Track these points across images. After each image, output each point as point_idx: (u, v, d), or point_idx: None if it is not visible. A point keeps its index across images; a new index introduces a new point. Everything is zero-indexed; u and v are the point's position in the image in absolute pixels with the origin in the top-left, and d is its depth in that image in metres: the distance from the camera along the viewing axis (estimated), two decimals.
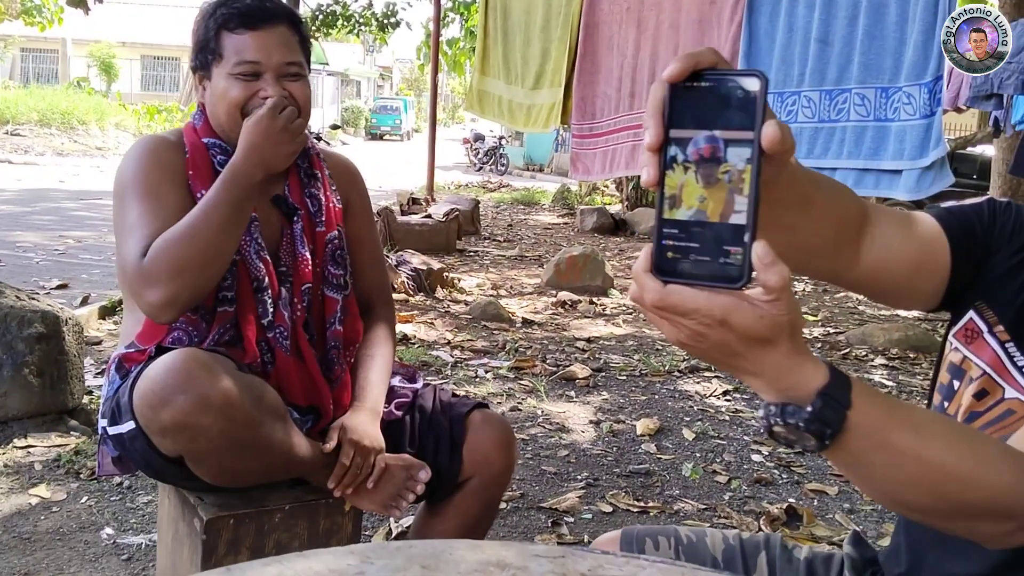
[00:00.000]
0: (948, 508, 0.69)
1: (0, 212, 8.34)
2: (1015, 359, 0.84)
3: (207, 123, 1.53)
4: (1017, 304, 0.85)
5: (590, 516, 2.47)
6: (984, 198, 0.91)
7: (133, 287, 1.37)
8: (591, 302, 5.55)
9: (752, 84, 0.60)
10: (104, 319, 4.39)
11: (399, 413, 1.62)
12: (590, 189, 12.67)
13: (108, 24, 25.58)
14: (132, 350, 1.47)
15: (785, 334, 0.61)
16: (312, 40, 1.66)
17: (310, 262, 1.55)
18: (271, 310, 1.49)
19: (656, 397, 3.64)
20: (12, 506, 2.29)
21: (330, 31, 12.39)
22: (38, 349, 2.72)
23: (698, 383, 3.86)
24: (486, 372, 3.84)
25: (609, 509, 2.52)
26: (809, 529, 2.43)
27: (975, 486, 0.67)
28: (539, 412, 3.34)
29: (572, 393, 3.63)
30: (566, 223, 10.56)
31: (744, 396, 3.68)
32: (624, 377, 3.91)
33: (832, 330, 5.24)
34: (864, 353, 4.59)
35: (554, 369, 3.91)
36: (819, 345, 4.80)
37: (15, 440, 2.65)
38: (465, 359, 4.03)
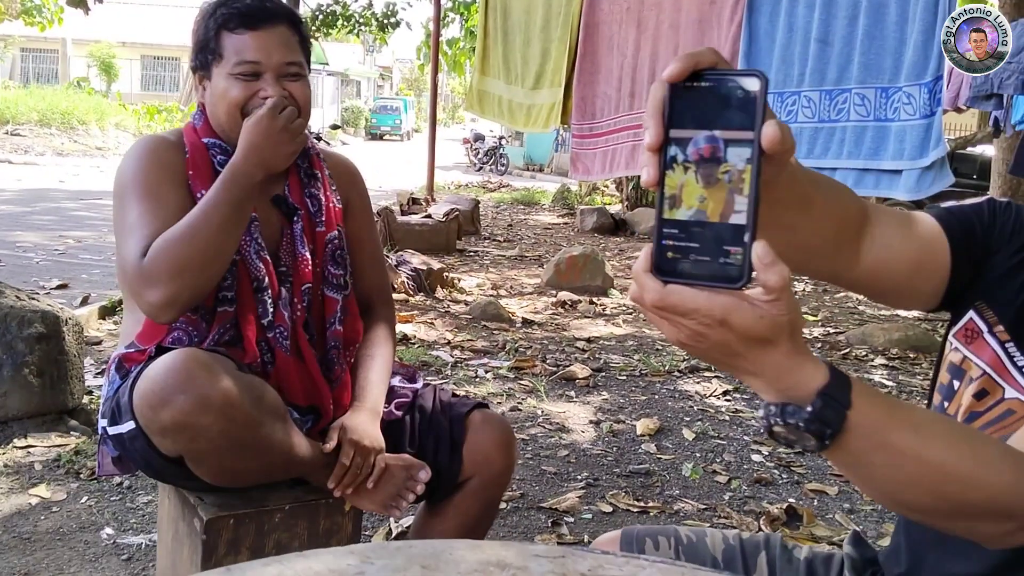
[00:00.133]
0: (948, 508, 0.69)
1: (0, 212, 8.34)
2: (1015, 359, 0.84)
3: (207, 123, 1.53)
4: (1017, 304, 0.85)
5: (590, 516, 2.47)
6: (984, 198, 0.91)
7: (133, 287, 1.37)
8: (591, 302, 5.55)
9: (752, 84, 0.60)
10: (104, 319, 4.39)
11: (399, 413, 1.62)
12: (590, 189, 12.67)
13: (108, 24, 25.59)
14: (132, 350, 1.47)
15: (785, 334, 0.61)
16: (312, 40, 1.66)
17: (310, 262, 1.55)
18: (271, 310, 1.49)
19: (656, 397, 3.64)
20: (12, 506, 2.29)
21: (330, 31, 12.40)
22: (38, 349, 2.72)
23: (698, 383, 3.86)
24: (486, 372, 3.84)
25: (609, 509, 2.52)
26: (809, 529, 2.43)
27: (975, 486, 0.67)
28: (539, 412, 3.34)
29: (572, 393, 3.63)
30: (566, 223, 10.56)
31: (744, 396, 3.68)
32: (624, 377, 3.91)
33: (832, 330, 5.24)
34: (864, 353, 4.59)
35: (554, 369, 3.91)
36: (819, 345, 4.80)
37: (15, 440, 2.65)
38: (465, 359, 4.03)
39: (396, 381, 1.67)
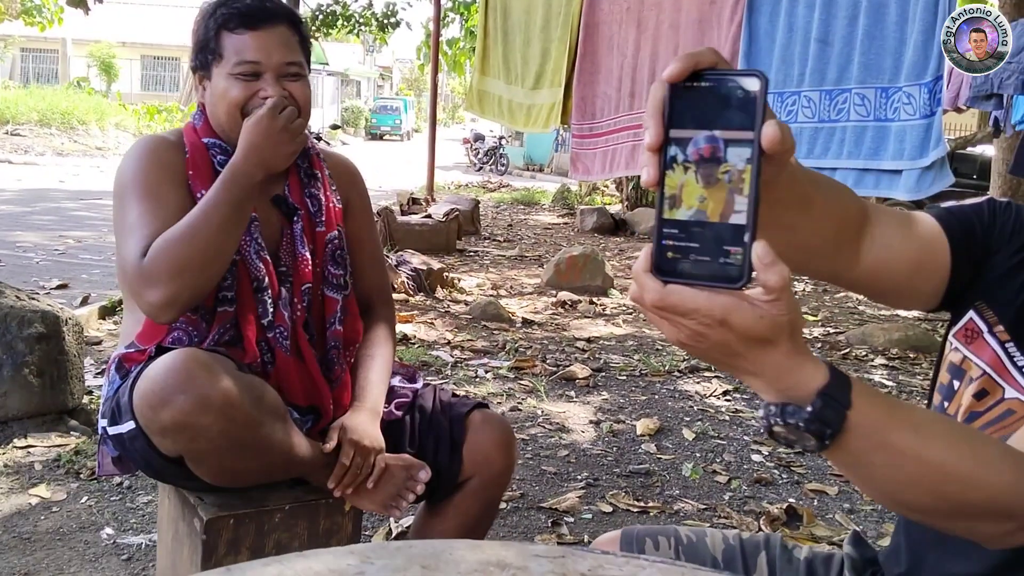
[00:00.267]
0: (948, 508, 0.69)
1: (0, 212, 8.34)
2: (1015, 359, 0.84)
3: (207, 123, 1.53)
4: (1017, 304, 0.85)
5: (590, 516, 2.47)
6: (984, 198, 0.91)
7: (133, 287, 1.37)
8: (591, 302, 5.55)
9: (752, 84, 0.60)
10: (104, 319, 4.39)
11: (399, 413, 1.62)
12: (590, 189, 12.67)
13: (108, 24, 25.59)
14: (132, 350, 1.47)
15: (785, 334, 0.61)
16: (312, 40, 1.66)
17: (310, 262, 1.55)
18: (271, 310, 1.49)
19: (656, 397, 3.64)
20: (12, 506, 2.29)
21: (330, 31, 12.40)
22: (38, 349, 2.72)
23: (698, 383, 3.86)
24: (486, 372, 3.84)
25: (609, 509, 2.52)
26: (809, 529, 2.43)
27: (975, 486, 0.67)
28: (539, 412, 3.34)
29: (572, 393, 3.63)
30: (566, 223, 10.56)
31: (744, 396, 3.68)
32: (624, 377, 3.91)
33: (832, 330, 5.24)
34: (864, 353, 4.59)
35: (554, 369, 3.91)
36: (819, 345, 4.80)
37: (15, 440, 2.65)
38: (465, 359, 4.03)
39: (396, 381, 1.67)
